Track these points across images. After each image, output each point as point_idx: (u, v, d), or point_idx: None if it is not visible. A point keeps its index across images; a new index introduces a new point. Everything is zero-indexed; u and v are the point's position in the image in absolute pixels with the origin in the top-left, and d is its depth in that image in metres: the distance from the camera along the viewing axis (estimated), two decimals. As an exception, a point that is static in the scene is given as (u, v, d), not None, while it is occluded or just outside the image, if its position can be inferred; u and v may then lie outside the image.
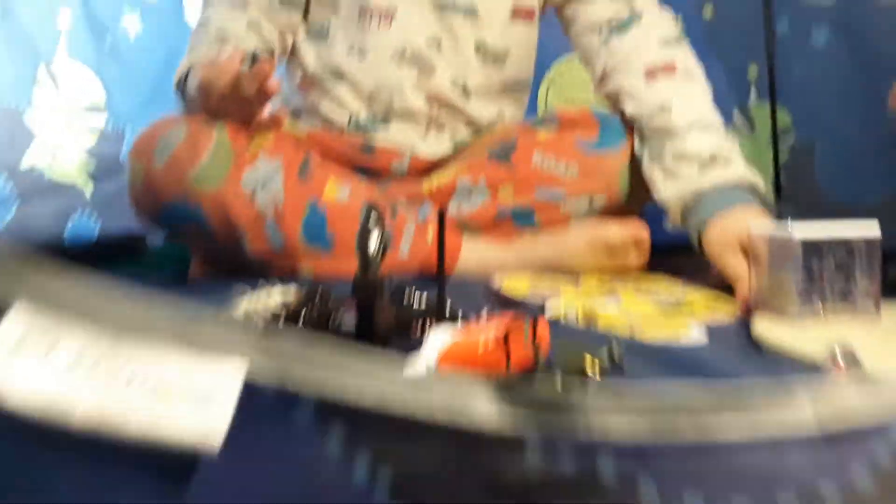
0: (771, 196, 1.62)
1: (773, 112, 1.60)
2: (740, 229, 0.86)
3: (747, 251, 0.84)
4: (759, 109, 1.62)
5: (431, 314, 0.65)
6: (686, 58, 1.08)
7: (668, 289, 0.92)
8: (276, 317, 0.61)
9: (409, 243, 1.02)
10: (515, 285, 0.91)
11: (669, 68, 1.05)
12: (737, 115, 1.64)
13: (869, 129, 1.50)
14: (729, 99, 1.64)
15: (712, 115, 1.03)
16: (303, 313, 0.62)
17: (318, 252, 0.98)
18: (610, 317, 0.75)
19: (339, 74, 1.13)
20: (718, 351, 0.66)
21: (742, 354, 0.65)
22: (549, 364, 0.50)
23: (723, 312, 0.81)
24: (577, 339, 0.64)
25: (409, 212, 1.05)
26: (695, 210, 0.96)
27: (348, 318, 0.58)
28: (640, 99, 1.05)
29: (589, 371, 0.47)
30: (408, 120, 1.14)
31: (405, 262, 1.01)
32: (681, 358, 0.59)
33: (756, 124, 1.63)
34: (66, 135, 1.29)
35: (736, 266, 0.86)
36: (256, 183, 0.96)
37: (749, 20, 1.61)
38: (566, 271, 1.05)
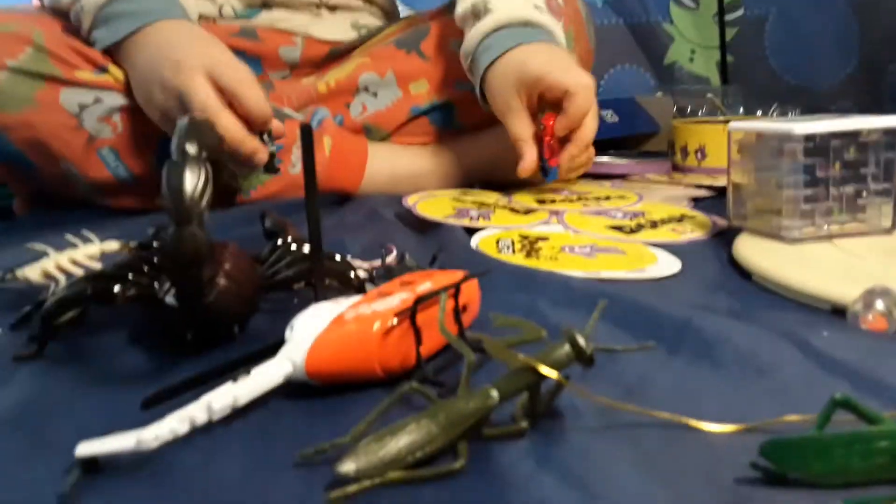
0: (716, 78, 1.48)
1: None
2: (513, 72, 0.72)
3: (531, 96, 0.72)
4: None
5: (305, 273, 0.46)
6: None
7: (613, 197, 0.75)
8: (71, 299, 0.40)
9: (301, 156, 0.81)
10: (434, 204, 0.71)
11: None
12: (679, -14, 1.45)
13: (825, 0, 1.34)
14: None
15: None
16: (118, 284, 0.42)
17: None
18: (555, 245, 0.57)
19: None
20: (695, 288, 0.50)
21: (726, 290, 0.49)
22: (478, 350, 0.32)
23: (688, 226, 0.65)
24: (519, 301, 0.46)
25: (301, 118, 0.84)
26: (472, 71, 0.80)
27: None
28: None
29: (545, 372, 0.29)
30: (292, 5, 0.91)
31: (297, 179, 0.81)
32: (651, 309, 0.42)
33: (700, -2, 1.44)
34: None
35: (514, 119, 0.72)
36: (83, 100, 0.72)
37: None
38: (496, 181, 0.87)
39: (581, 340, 0.30)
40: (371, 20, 0.99)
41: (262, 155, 0.69)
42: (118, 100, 0.73)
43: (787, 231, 0.54)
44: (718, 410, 0.31)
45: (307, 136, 0.39)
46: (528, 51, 0.74)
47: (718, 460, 0.28)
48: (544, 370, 0.29)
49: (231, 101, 0.67)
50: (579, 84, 0.69)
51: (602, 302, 0.32)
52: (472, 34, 0.78)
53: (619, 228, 0.63)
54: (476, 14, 0.78)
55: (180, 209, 0.34)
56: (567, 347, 0.30)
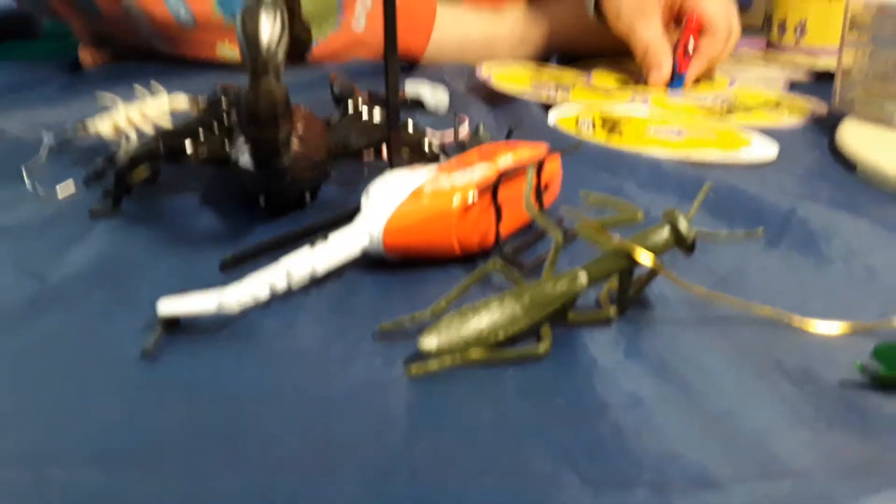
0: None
1: None
2: None
3: (670, 15, 0.66)
4: None
5: (384, 139, 0.44)
6: None
7: (703, 80, 0.69)
8: (144, 156, 0.39)
9: (367, 11, 0.77)
10: (510, 76, 0.67)
11: None
12: None
13: None
14: None
15: None
16: (189, 142, 0.41)
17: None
18: (639, 125, 0.54)
19: None
20: (794, 176, 0.46)
21: (828, 180, 0.45)
22: (564, 231, 0.30)
23: (784, 112, 0.60)
24: (604, 182, 0.43)
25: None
26: None
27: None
28: None
29: (640, 257, 0.27)
30: None
31: (362, 37, 0.78)
32: (749, 196, 0.39)
33: None
34: None
35: (649, 24, 0.66)
36: None
37: None
38: (575, 54, 0.81)
39: (683, 224, 0.27)
40: None
41: None
42: None
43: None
44: (822, 309, 0.29)
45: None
46: None
47: (821, 361, 0.26)
48: (640, 254, 0.27)
49: None
50: (724, 7, 0.65)
51: (708, 183, 0.30)
52: None
53: (709, 112, 0.59)
54: None
55: (257, 58, 0.31)
56: (667, 231, 0.28)
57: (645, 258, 0.27)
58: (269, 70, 0.32)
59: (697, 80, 0.68)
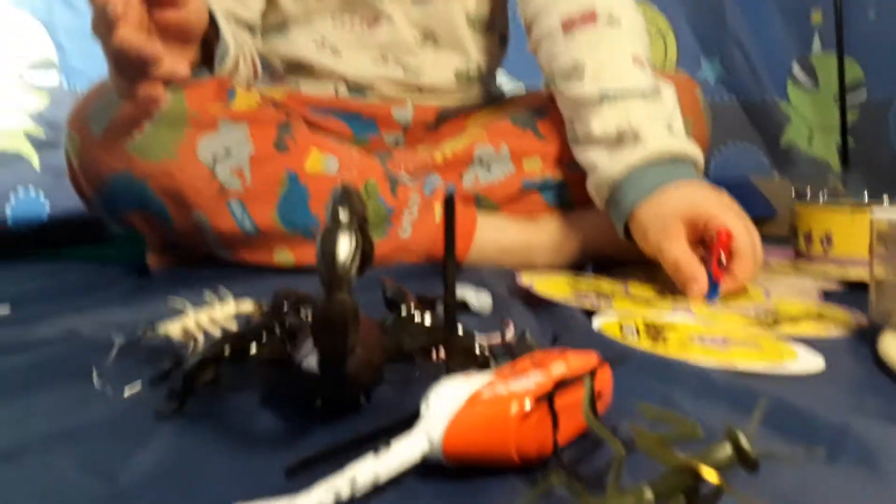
0: (835, 162, 1.42)
1: (841, 64, 1.38)
2: (680, 208, 0.70)
3: (694, 235, 0.70)
4: (824, 60, 1.40)
5: (436, 342, 0.46)
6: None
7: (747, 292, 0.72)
8: (211, 359, 0.42)
9: (413, 221, 0.83)
10: (551, 284, 0.71)
11: (588, 17, 0.82)
12: (796, 68, 1.42)
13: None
14: (787, 49, 1.42)
15: (631, 74, 0.79)
16: (254, 344, 0.43)
17: (300, 237, 0.79)
18: (683, 334, 0.55)
19: (309, 70, 0.95)
20: (842, 388, 0.47)
21: (875, 392, 0.45)
22: (623, 442, 0.31)
23: (828, 323, 0.61)
24: (653, 390, 0.44)
25: (414, 184, 0.86)
26: (613, 201, 0.77)
27: (311, 353, 0.39)
28: (555, 56, 0.84)
29: (706, 474, 0.27)
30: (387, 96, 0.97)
31: (407, 244, 0.83)
32: (802, 409, 0.39)
33: (820, 78, 1.41)
34: (8, 95, 1.08)
35: (676, 243, 0.69)
36: (217, 151, 0.76)
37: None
38: (609, 259, 0.86)
39: (745, 441, 0.28)
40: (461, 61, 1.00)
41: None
42: (246, 150, 0.77)
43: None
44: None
45: (450, 204, 0.39)
46: (692, 187, 0.73)
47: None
48: (706, 472, 0.28)
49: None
50: (747, 229, 0.70)
51: (763, 400, 0.31)
52: (620, 162, 0.76)
53: (757, 323, 0.61)
54: (621, 139, 0.76)
55: (333, 276, 0.34)
56: (728, 448, 0.28)
57: (710, 475, 0.27)
58: (343, 286, 0.34)
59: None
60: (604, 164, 0.77)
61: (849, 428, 0.36)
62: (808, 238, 0.91)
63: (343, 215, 0.37)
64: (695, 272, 0.68)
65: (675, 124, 0.79)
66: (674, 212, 0.70)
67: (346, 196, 0.39)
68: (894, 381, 0.47)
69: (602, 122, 0.77)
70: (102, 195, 0.78)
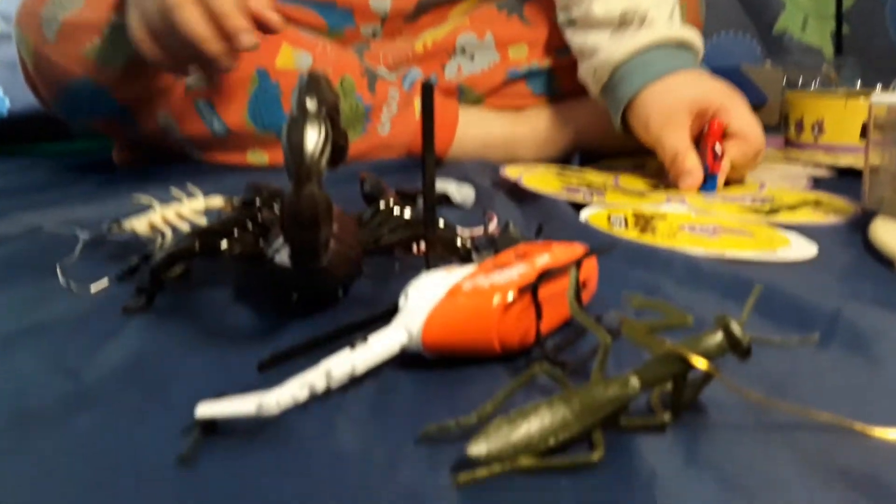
0: (829, 49, 1.37)
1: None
2: (688, 98, 0.67)
3: (698, 127, 0.67)
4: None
5: (415, 237, 0.44)
6: None
7: (732, 183, 0.70)
8: (179, 254, 0.39)
9: (392, 116, 0.80)
10: (539, 178, 0.68)
11: None
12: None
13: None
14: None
15: None
16: (225, 240, 0.41)
17: (273, 137, 0.76)
18: (673, 223, 0.54)
19: None
20: (834, 274, 0.46)
21: (868, 278, 0.44)
22: (609, 331, 0.29)
23: (826, 210, 0.60)
24: (639, 279, 0.42)
25: (393, 78, 0.82)
26: (612, 85, 0.73)
27: (284, 248, 0.37)
28: None
29: (695, 361, 0.26)
30: None
31: (387, 141, 0.80)
32: (793, 296, 0.38)
33: (817, -40, 1.34)
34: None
35: (677, 132, 0.67)
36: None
37: None
38: (595, 152, 0.83)
39: (737, 329, 0.27)
40: None
41: (228, 59, 0.62)
42: None
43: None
44: (880, 412, 0.28)
45: (428, 94, 0.37)
46: (699, 76, 0.70)
47: (888, 468, 0.25)
48: (695, 359, 0.26)
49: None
50: (756, 123, 0.67)
51: (757, 287, 0.29)
52: (625, 45, 0.71)
53: (753, 211, 0.59)
54: (625, 21, 0.72)
55: (301, 167, 0.32)
56: (720, 336, 0.27)
57: (700, 362, 0.26)
58: (312, 178, 0.32)
59: (728, 183, 0.69)
60: (606, 48, 0.73)
61: (840, 313, 0.35)
62: (800, 126, 0.88)
63: (311, 104, 0.34)
64: (690, 165, 0.66)
65: (675, 11, 0.74)
66: (681, 101, 0.67)
67: (314, 84, 0.36)
68: (886, 267, 0.46)
69: (605, 4, 0.73)
70: (60, 101, 0.74)
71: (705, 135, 0.67)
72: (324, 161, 0.33)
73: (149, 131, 0.75)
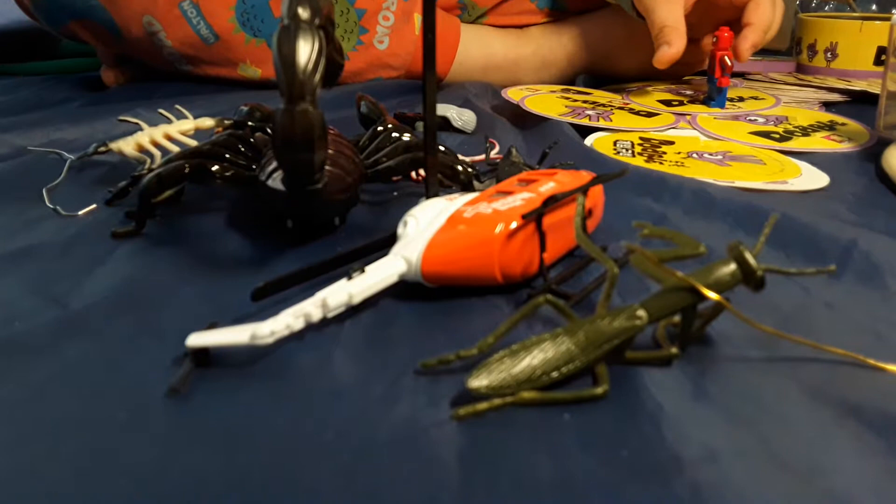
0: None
1: None
2: None
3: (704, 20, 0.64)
4: None
5: (415, 160, 0.42)
6: None
7: (746, 98, 0.68)
8: (168, 176, 0.38)
9: (389, 32, 0.76)
10: (542, 101, 0.66)
11: None
12: None
13: None
14: None
15: None
16: (217, 163, 0.39)
17: (263, 48, 0.72)
18: (681, 149, 0.52)
19: None
20: (848, 204, 0.44)
21: (882, 208, 0.43)
22: (616, 261, 0.28)
23: (840, 135, 0.58)
24: (647, 208, 0.41)
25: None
26: None
27: (278, 171, 0.35)
28: None
29: (706, 293, 0.25)
30: None
31: (384, 57, 0.77)
32: (806, 226, 0.37)
33: None
34: None
35: (665, 15, 0.63)
36: None
37: None
38: (602, 74, 0.80)
39: (751, 259, 0.26)
40: None
41: None
42: None
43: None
44: (894, 345, 0.27)
45: (430, 7, 0.34)
46: None
47: (901, 406, 0.24)
48: (704, 290, 0.25)
49: None
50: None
51: (773, 216, 0.28)
52: None
53: (764, 135, 0.57)
54: None
55: (292, 82, 0.30)
56: (733, 267, 0.26)
57: (711, 294, 0.25)
58: (305, 95, 0.30)
59: (754, 54, 0.66)
60: None
61: (855, 244, 0.34)
62: (812, 49, 0.85)
63: (303, 12, 0.31)
64: (673, 37, 0.62)
65: None
66: None
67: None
68: (898, 197, 0.45)
69: None
70: (39, 4, 0.70)
71: (714, 46, 0.64)
72: (318, 76, 0.30)
73: (133, 39, 0.72)
